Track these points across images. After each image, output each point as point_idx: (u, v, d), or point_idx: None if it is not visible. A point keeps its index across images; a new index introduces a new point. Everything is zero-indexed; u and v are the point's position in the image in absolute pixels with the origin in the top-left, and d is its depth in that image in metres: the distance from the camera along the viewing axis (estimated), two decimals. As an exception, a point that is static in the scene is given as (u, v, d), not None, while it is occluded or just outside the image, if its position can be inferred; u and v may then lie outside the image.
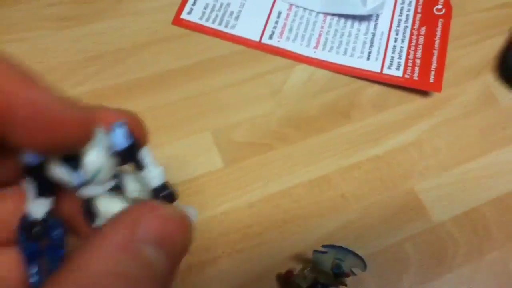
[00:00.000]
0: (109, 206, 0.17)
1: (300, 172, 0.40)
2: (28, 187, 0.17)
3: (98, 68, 0.43)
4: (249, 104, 0.43)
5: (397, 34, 0.47)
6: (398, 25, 0.47)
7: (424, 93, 0.45)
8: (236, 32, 0.46)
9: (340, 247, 0.33)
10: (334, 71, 0.45)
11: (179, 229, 0.14)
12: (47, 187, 0.17)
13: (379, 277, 0.37)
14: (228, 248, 0.37)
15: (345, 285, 0.35)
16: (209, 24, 0.46)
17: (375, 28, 0.47)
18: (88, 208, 0.17)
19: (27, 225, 0.17)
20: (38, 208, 0.18)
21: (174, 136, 0.41)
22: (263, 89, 0.44)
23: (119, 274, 0.12)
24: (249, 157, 0.40)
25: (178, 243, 0.14)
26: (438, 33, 0.47)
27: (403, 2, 0.48)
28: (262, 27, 0.46)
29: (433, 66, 0.45)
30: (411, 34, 0.47)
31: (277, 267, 0.36)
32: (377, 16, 0.48)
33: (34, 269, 0.17)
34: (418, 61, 0.45)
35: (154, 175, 0.18)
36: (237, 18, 0.47)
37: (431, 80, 0.44)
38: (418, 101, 0.44)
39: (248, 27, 0.46)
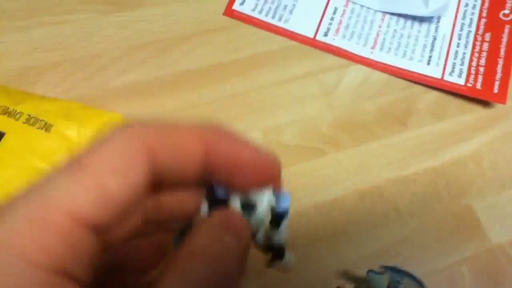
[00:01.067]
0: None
1: (351, 181, 0.38)
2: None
3: (143, 57, 0.41)
4: (299, 104, 0.41)
5: (459, 39, 0.44)
6: (461, 30, 0.44)
7: (486, 103, 0.42)
8: (289, 26, 0.43)
9: (399, 270, 0.31)
10: (392, 74, 0.42)
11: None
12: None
13: (432, 299, 0.34)
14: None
15: (399, 307, 0.33)
16: (261, 17, 0.44)
17: (436, 31, 0.44)
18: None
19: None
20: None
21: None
22: (315, 88, 0.41)
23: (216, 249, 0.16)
24: (298, 161, 0.38)
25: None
26: (504, 40, 0.43)
27: (466, 5, 0.45)
28: (317, 23, 0.44)
29: (498, 75, 0.42)
30: (475, 39, 0.44)
31: (324, 283, 0.34)
32: (439, 18, 0.45)
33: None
34: (481, 69, 0.42)
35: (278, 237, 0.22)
36: (291, 12, 0.44)
37: (495, 90, 0.41)
38: (479, 112, 0.42)
39: (302, 22, 0.44)
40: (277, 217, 0.22)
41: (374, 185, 0.38)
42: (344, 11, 0.44)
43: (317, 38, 0.43)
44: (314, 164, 0.38)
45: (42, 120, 0.34)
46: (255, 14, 0.44)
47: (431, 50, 0.43)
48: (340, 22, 0.44)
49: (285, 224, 0.22)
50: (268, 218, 0.21)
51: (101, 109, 0.36)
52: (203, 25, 0.43)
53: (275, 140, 0.39)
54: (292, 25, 0.43)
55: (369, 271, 0.32)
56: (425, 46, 0.43)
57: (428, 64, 0.42)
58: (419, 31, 0.44)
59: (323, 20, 0.44)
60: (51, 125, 0.34)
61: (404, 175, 0.38)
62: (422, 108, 0.41)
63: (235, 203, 0.20)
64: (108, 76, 0.40)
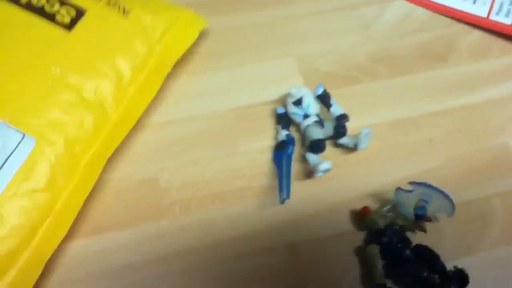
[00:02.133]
0: (313, 132, 0.34)
1: (385, 110, 0.37)
2: (278, 126, 0.35)
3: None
4: (337, 34, 0.40)
5: (509, -21, 0.42)
6: (512, -31, 0.43)
7: (532, 45, 0.40)
8: (332, -42, 0.43)
9: (429, 185, 0.31)
10: (435, 11, 0.41)
11: None
12: (288, 123, 0.35)
13: (460, 229, 0.34)
14: (298, 176, 0.35)
15: (425, 231, 0.32)
16: None
17: (485, -30, 0.43)
18: (304, 134, 0.35)
19: (277, 143, 0.35)
20: (283, 134, 0.35)
21: (259, 58, 0.39)
22: (354, 21, 0.41)
23: None
24: (333, 87, 0.38)
25: None
26: (557, -18, 0.42)
27: None
28: (361, -44, 0.43)
29: (547, 17, 0.40)
30: (526, -20, 0.42)
31: (351, 202, 0.34)
32: (489, -42, 0.43)
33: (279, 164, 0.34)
34: (530, 10, 0.41)
35: (337, 110, 0.35)
36: None
37: (543, 32, 0.40)
38: (524, 54, 0.40)
39: (346, -45, 0.43)
40: (324, 101, 0.35)
41: (409, 116, 0.37)
42: None
43: (360, -29, 0.42)
44: (349, 91, 0.38)
45: (121, 4, 0.35)
46: None
47: (478, -11, 0.42)
48: (385, -43, 0.43)
49: (333, 102, 0.35)
50: (314, 103, 0.34)
51: (176, 4, 0.38)
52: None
53: (310, 66, 0.38)
54: (336, -42, 0.43)
55: (398, 188, 0.31)
56: (472, -16, 0.42)
57: (474, 2, 0.41)
58: (466, -30, 0.43)
59: (367, -45, 0.43)
60: (128, 10, 0.35)
61: (441, 109, 0.38)
62: (463, 46, 0.40)
63: (291, 108, 0.35)
64: None
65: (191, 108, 0.37)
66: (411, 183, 0.31)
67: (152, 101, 0.35)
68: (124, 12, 0.34)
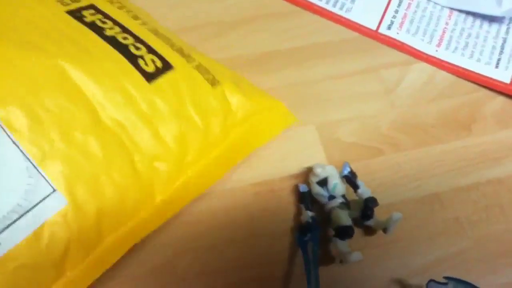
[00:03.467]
0: (341, 217, 0.31)
1: (410, 185, 0.36)
2: (301, 205, 0.33)
3: (196, 39, 0.39)
4: (358, 100, 0.38)
5: (532, 42, 0.41)
6: (534, 32, 0.41)
7: (556, 113, 0.39)
8: (351, 16, 0.41)
9: (465, 282, 0.29)
10: (457, 75, 0.40)
11: None
12: (312, 203, 0.33)
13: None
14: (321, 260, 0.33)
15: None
16: (322, 4, 0.41)
17: (507, 32, 0.41)
18: (329, 215, 0.32)
19: (301, 225, 0.33)
20: (307, 216, 0.32)
21: (275, 126, 0.37)
22: (375, 85, 0.39)
23: None
24: (355, 160, 0.36)
25: None
26: None
27: (541, 7, 0.42)
28: (381, 14, 0.41)
29: None
30: (548, 44, 0.41)
31: (379, 290, 0.32)
32: (511, 19, 0.42)
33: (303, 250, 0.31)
34: (554, 76, 0.39)
35: (364, 192, 0.33)
36: (353, 1, 0.42)
37: None
38: (548, 122, 0.39)
39: (365, 13, 0.41)
40: (351, 181, 0.33)
41: (434, 192, 0.36)
42: (409, 4, 0.42)
43: (379, 31, 0.41)
44: (372, 164, 0.36)
45: (212, 74, 0.32)
46: (315, 1, 0.41)
47: (500, 52, 0.40)
48: (405, 16, 0.41)
49: (360, 183, 0.33)
50: (340, 184, 0.32)
51: (267, 93, 0.35)
52: (262, 9, 0.41)
53: (331, 136, 0.37)
54: (354, 15, 0.41)
55: (431, 281, 0.30)
56: (494, 48, 0.41)
57: (497, 67, 0.40)
58: (488, 32, 0.41)
59: (387, 12, 0.41)
60: (218, 82, 0.32)
61: (466, 184, 0.36)
62: (487, 114, 0.39)
63: (315, 187, 0.32)
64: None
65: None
66: (446, 277, 0.30)
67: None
68: (212, 83, 0.31)
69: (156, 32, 0.32)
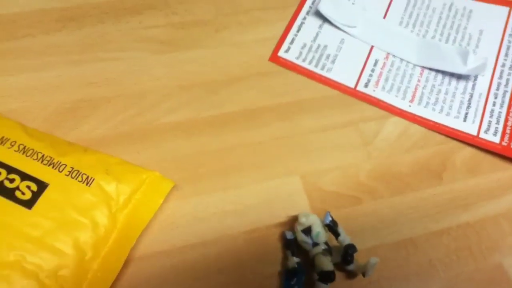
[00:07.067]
0: (323, 262, 0.35)
1: (387, 231, 0.39)
2: (287, 251, 0.36)
3: (191, 97, 0.43)
4: (339, 151, 0.42)
5: (495, 97, 0.45)
6: (498, 89, 0.46)
7: (520, 162, 0.43)
8: (331, 75, 0.45)
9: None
10: (429, 128, 0.44)
11: None
12: (297, 250, 0.36)
13: None
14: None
15: None
16: (305, 65, 0.45)
17: (473, 88, 0.46)
18: (313, 261, 0.35)
19: (288, 270, 0.35)
20: (293, 262, 0.35)
21: (262, 177, 0.40)
22: (354, 137, 0.43)
23: None
24: (336, 207, 0.39)
25: None
26: (539, 101, 0.45)
27: (503, 65, 0.47)
28: (358, 73, 0.45)
29: (533, 136, 0.43)
30: (511, 99, 0.45)
31: (359, 330, 0.35)
32: (476, 76, 0.46)
33: None
34: (516, 128, 0.43)
35: (344, 239, 0.36)
36: (333, 61, 0.46)
37: (529, 151, 0.42)
38: (512, 171, 0.43)
39: (343, 72, 0.45)
40: (332, 230, 0.36)
41: (409, 237, 0.39)
42: (384, 63, 0.46)
43: (357, 88, 0.45)
44: (351, 212, 0.39)
45: (84, 174, 0.34)
46: (299, 62, 0.45)
47: (468, 107, 0.45)
48: (380, 74, 0.46)
49: (341, 231, 0.36)
50: (323, 232, 0.36)
51: (139, 167, 0.38)
52: (250, 69, 0.45)
53: (314, 185, 0.40)
54: (334, 75, 0.45)
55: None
56: (462, 102, 0.45)
57: (465, 120, 0.44)
58: (456, 88, 0.46)
59: (364, 71, 0.46)
60: (91, 179, 0.34)
61: (438, 229, 0.40)
62: (457, 163, 0.43)
63: (301, 235, 0.36)
64: (156, 114, 0.42)
65: (200, 231, 0.37)
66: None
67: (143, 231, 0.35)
68: (86, 182, 0.34)
69: (24, 150, 0.34)
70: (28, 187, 0.33)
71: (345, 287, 0.36)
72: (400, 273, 0.38)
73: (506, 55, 0.47)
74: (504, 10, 0.50)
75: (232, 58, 0.45)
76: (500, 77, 0.46)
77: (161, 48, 0.46)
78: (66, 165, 0.34)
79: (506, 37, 0.49)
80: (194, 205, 0.38)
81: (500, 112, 0.44)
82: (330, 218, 0.36)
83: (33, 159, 0.34)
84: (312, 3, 0.49)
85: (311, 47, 0.46)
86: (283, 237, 0.38)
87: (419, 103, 0.44)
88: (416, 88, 0.45)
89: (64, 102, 0.42)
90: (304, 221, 0.36)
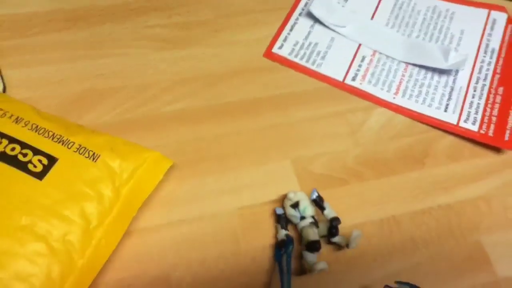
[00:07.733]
0: (309, 233, 0.38)
1: (372, 209, 0.42)
2: (278, 225, 0.39)
3: (191, 89, 0.47)
4: (328, 139, 0.45)
5: (475, 90, 0.48)
6: (477, 82, 0.49)
7: (497, 149, 0.46)
8: (321, 70, 0.49)
9: (413, 285, 0.35)
10: (412, 118, 0.47)
11: None
12: (286, 223, 0.40)
13: (441, 322, 0.38)
14: (296, 271, 0.38)
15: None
16: (297, 60, 0.49)
17: (454, 82, 0.49)
18: (301, 233, 0.39)
19: (278, 242, 0.39)
20: (282, 234, 0.39)
21: (257, 161, 0.43)
22: (342, 126, 0.46)
23: None
24: (324, 188, 0.42)
25: None
26: (516, 94, 0.48)
27: (482, 61, 0.50)
28: (346, 68, 0.49)
29: (509, 125, 0.46)
30: (489, 92, 0.48)
31: (344, 297, 0.38)
32: (457, 71, 0.50)
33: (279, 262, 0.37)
34: (494, 118, 0.47)
35: (330, 213, 0.39)
36: (323, 57, 0.49)
37: (506, 138, 0.45)
38: (490, 157, 0.46)
39: (333, 67, 0.49)
40: (318, 204, 0.39)
41: (392, 215, 0.42)
42: (371, 59, 0.50)
43: (345, 81, 0.48)
44: (339, 191, 0.42)
45: (91, 150, 0.38)
46: (291, 58, 0.49)
47: (449, 99, 0.48)
48: (367, 69, 0.49)
49: (326, 205, 0.39)
50: (310, 207, 0.39)
51: (141, 146, 0.41)
52: (246, 64, 0.49)
53: (305, 169, 0.43)
54: (324, 69, 0.49)
55: (386, 286, 0.35)
56: (443, 95, 0.48)
57: (446, 111, 0.47)
58: (438, 82, 0.49)
59: (351, 67, 0.49)
60: (97, 155, 0.38)
61: (420, 208, 0.42)
62: (438, 150, 0.46)
63: (289, 210, 0.39)
64: (159, 103, 0.46)
65: (198, 207, 0.41)
66: (397, 281, 0.36)
67: (141, 207, 0.38)
68: (92, 158, 0.37)
69: (37, 128, 0.38)
70: (40, 160, 0.36)
71: (334, 259, 0.39)
72: (384, 248, 0.40)
73: (485, 52, 0.51)
74: (484, 12, 0.54)
75: (230, 54, 0.49)
76: (480, 72, 0.50)
77: (164, 45, 0.49)
78: (74, 143, 0.38)
79: (485, 36, 0.52)
80: (193, 184, 0.42)
81: (478, 103, 0.48)
82: (316, 194, 0.39)
83: (45, 137, 0.37)
84: (305, 5, 0.53)
85: (303, 44, 0.50)
86: (274, 213, 0.41)
87: (403, 95, 0.48)
88: (400, 82, 0.49)
89: (74, 91, 0.46)
90: (292, 196, 0.39)
